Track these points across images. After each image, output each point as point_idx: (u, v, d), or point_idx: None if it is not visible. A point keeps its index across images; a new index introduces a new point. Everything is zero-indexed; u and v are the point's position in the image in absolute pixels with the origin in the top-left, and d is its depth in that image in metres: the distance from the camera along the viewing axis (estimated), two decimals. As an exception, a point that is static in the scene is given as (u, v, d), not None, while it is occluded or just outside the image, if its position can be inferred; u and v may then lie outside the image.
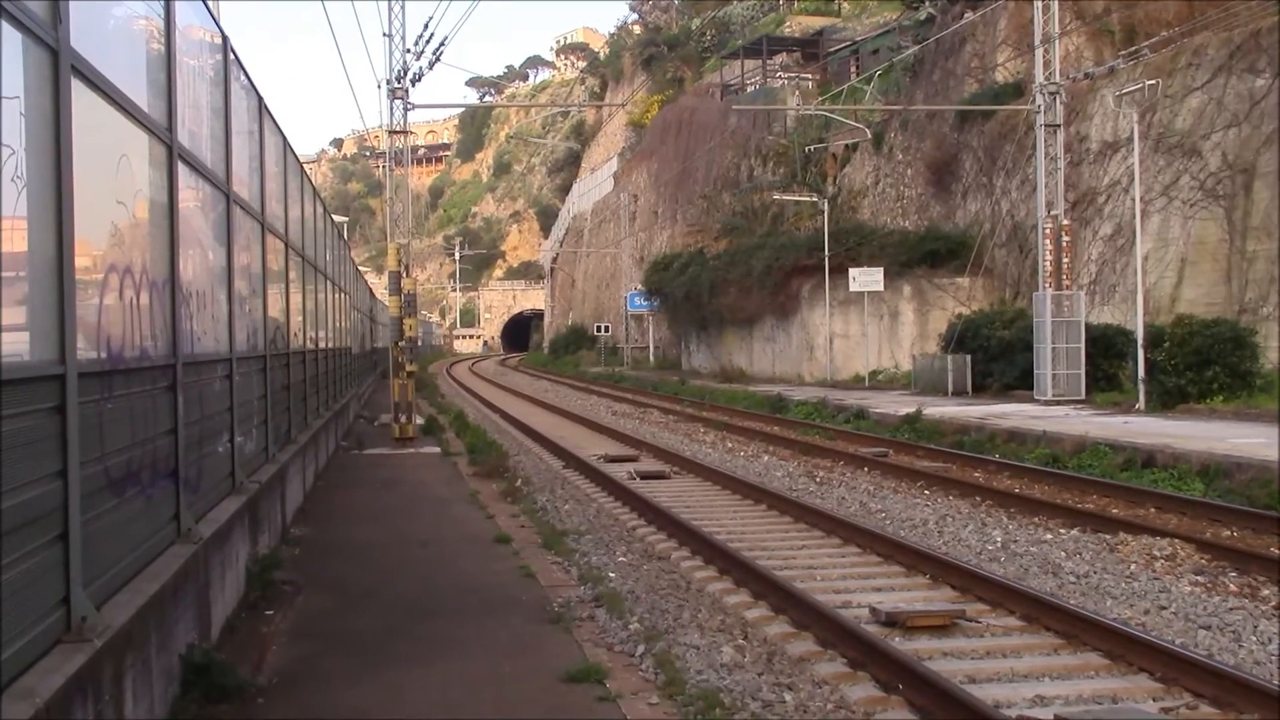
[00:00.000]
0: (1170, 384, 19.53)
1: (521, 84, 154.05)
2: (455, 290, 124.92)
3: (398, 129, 21.44)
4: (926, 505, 12.28)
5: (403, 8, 21.31)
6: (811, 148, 41.33)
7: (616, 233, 65.37)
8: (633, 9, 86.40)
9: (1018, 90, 30.08)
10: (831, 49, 49.47)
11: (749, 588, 8.25)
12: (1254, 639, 6.98)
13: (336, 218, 24.59)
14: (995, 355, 25.13)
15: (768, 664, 6.43)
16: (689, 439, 20.57)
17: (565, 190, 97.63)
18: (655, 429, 22.93)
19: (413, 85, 21.25)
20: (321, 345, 15.33)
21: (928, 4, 39.11)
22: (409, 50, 21.28)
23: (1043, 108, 23.31)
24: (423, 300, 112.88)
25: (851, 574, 8.90)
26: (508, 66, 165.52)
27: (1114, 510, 11.58)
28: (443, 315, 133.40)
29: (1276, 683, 5.91)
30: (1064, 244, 23.39)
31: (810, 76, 49.15)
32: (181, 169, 5.80)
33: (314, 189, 14.97)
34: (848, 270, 30.75)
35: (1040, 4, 22.94)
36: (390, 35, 21.05)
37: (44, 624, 3.66)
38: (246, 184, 8.47)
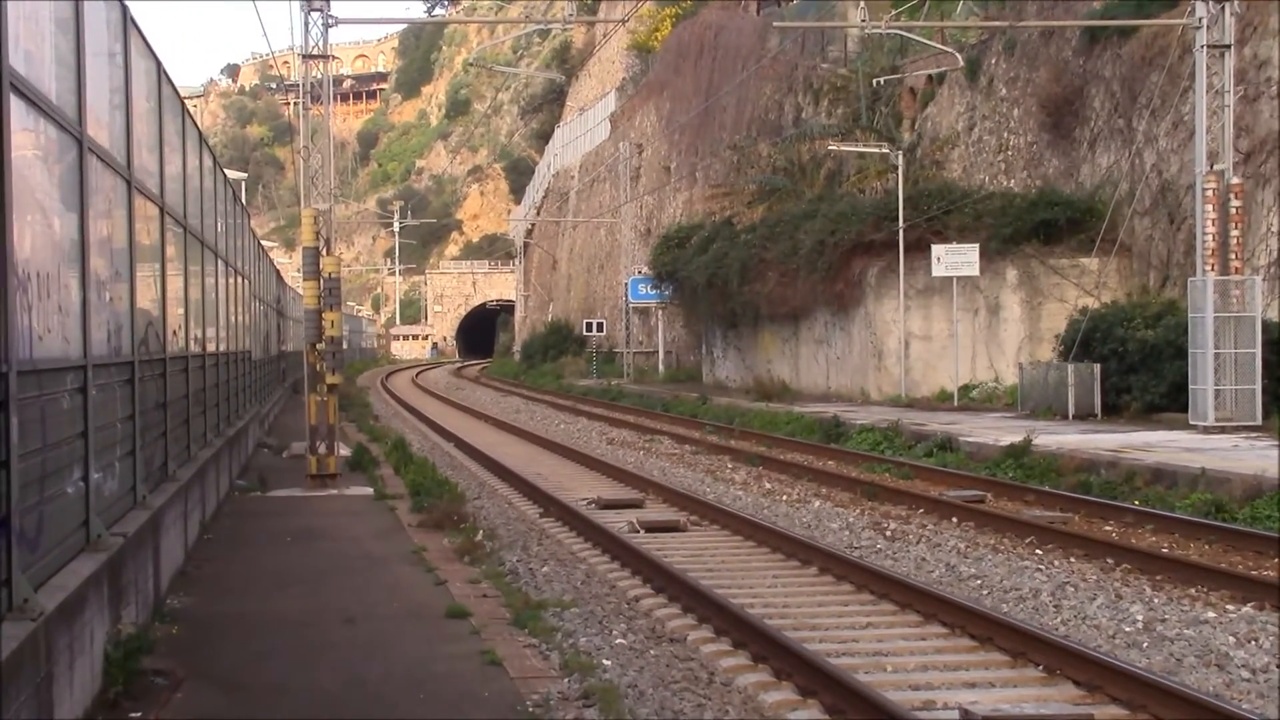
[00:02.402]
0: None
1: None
2: (394, 274, 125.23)
3: (315, 53, 21.45)
4: (1038, 570, 12.27)
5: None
6: (881, 81, 41.33)
7: (614, 196, 65.50)
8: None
9: (1167, -1, 30.03)
10: (909, -55, 49.59)
11: (794, 681, 8.26)
12: None
13: (232, 174, 24.66)
14: (1134, 364, 25.08)
15: (821, 787, 6.40)
16: (712, 477, 20.61)
17: (544, 138, 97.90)
18: (666, 464, 22.99)
19: (336, -7, 21.27)
20: (211, 348, 15.38)
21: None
22: (332, -56, 21.29)
23: (1205, 21, 23.25)
24: (350, 287, 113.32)
25: (934, 663, 8.91)
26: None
27: (1299, 577, 11.54)
28: (377, 308, 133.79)
29: None
30: (1233, 211, 23.31)
31: (880, -18, 49.26)
32: (14, 103, 5.79)
33: (200, 134, 15.01)
34: (930, 248, 30.74)
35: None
36: (306, -78, 21.05)
37: None
38: (107, 126, 8.47)
